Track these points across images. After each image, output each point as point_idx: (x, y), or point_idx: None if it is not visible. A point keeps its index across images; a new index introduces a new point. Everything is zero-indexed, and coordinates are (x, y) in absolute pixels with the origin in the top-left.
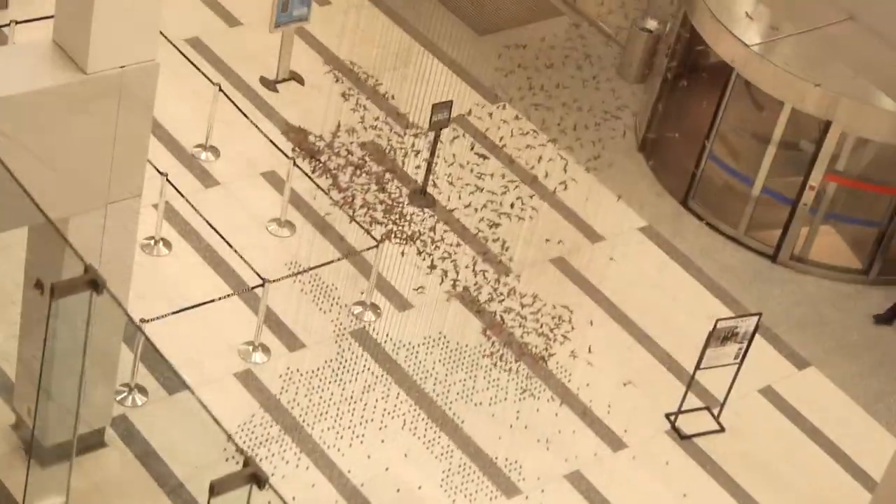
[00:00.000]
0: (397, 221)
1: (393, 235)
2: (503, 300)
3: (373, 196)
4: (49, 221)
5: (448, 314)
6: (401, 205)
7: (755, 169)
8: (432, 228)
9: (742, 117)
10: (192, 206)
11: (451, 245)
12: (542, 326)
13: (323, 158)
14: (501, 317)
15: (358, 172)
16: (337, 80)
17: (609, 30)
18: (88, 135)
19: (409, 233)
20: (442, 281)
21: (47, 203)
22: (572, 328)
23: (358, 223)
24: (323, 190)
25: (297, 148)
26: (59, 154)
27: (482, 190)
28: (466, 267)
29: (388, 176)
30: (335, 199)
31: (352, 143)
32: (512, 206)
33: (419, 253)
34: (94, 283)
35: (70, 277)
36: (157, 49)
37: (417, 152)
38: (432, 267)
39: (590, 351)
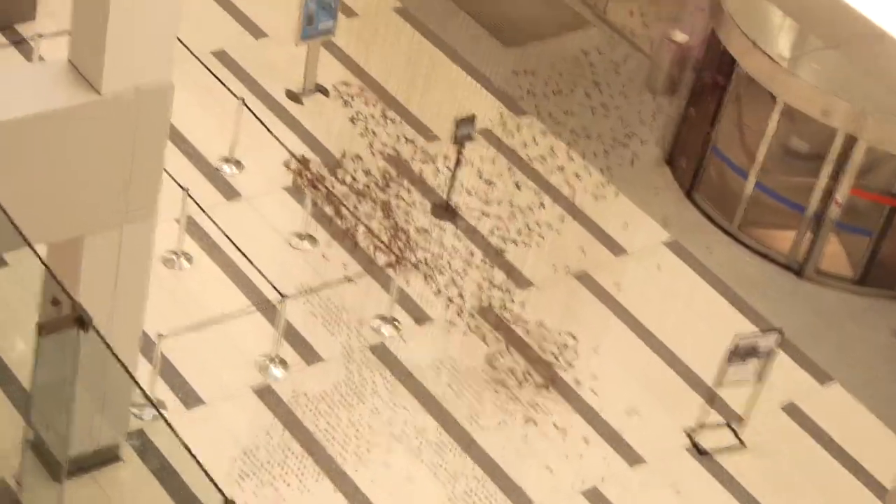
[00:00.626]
0: (402, 249)
1: (397, 262)
2: (510, 325)
3: (378, 223)
4: (32, 250)
5: (455, 339)
6: (406, 232)
7: (750, 164)
8: (439, 255)
9: (740, 112)
10: (213, 220)
11: (456, 272)
12: (544, 353)
13: (326, 187)
14: (507, 344)
15: (361, 200)
16: (345, 104)
17: (637, 41)
18: (103, 155)
19: (415, 260)
20: (448, 306)
21: (63, 222)
22: (577, 355)
23: (384, 240)
24: (347, 208)
25: (298, 178)
26: (75, 173)
27: (489, 215)
28: (472, 294)
29: (394, 202)
30: (338, 228)
31: (356, 170)
32: (519, 232)
33: (426, 278)
34: (80, 321)
35: (58, 316)
36: (172, 69)
37: (420, 179)
38: (438, 292)
39: (595, 378)
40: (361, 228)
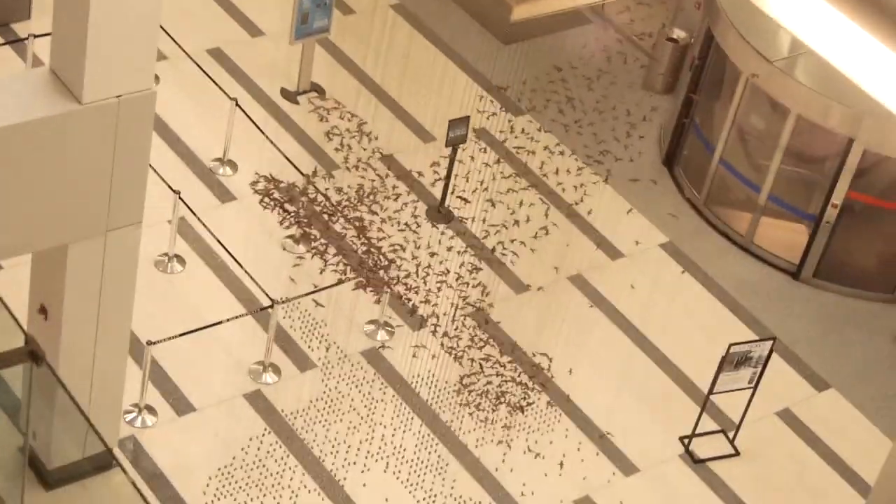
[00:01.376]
0: (373, 269)
1: (370, 282)
2: (483, 347)
3: (350, 242)
4: None
5: (430, 358)
6: (379, 250)
7: (716, 139)
8: (413, 274)
9: (739, 118)
10: (205, 224)
11: (430, 291)
12: (520, 375)
13: (294, 208)
14: (481, 363)
15: (334, 219)
16: (321, 119)
17: (637, 39)
18: (86, 163)
19: (387, 279)
20: (422, 325)
21: (46, 231)
22: (551, 376)
23: (354, 261)
24: (351, 220)
25: (265, 198)
26: (57, 182)
27: (465, 234)
28: (444, 314)
29: (369, 219)
30: (307, 248)
31: (327, 189)
32: (493, 250)
33: (399, 297)
34: (34, 355)
35: (10, 349)
36: (153, 77)
37: (397, 193)
38: (412, 312)
39: (568, 400)
40: (332, 249)
